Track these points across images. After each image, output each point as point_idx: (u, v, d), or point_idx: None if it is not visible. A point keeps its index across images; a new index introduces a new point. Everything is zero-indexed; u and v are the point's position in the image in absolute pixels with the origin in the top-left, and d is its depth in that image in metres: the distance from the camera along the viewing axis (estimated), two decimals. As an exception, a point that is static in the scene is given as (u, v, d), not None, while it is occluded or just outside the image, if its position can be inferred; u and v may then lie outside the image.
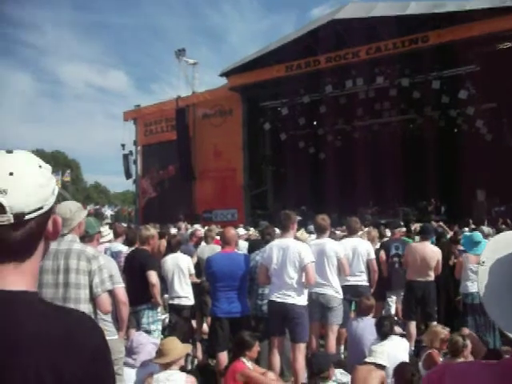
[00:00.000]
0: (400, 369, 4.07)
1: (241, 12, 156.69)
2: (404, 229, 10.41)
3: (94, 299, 3.56)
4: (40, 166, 1.15)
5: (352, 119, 22.06)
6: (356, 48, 17.90)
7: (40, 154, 68.46)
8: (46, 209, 1.13)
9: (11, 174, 1.07)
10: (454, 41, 16.00)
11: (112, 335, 4.29)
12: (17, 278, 1.11)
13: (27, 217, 1.08)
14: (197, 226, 10.85)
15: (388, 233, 9.80)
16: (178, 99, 23.24)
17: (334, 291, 5.98)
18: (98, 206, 43.41)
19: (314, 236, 7.32)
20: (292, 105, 20.59)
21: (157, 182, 24.65)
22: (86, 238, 4.10)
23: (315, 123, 22.64)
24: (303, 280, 5.34)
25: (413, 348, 6.50)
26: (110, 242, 7.23)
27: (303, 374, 5.07)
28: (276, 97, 20.94)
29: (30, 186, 1.09)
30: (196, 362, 6.45)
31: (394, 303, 8.32)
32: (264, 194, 22.44)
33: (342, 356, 6.51)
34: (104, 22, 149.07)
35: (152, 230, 6.36)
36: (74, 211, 3.69)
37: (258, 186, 22.21)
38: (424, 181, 18.52)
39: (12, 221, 1.06)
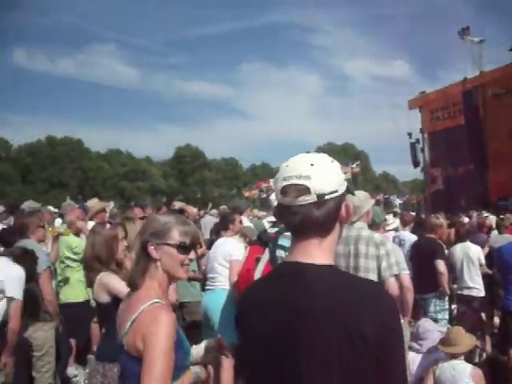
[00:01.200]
0: None
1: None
2: None
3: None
4: (332, 161, 1.43)
5: None
6: None
7: (331, 146, 72.68)
8: (340, 192, 1.39)
9: (312, 164, 1.37)
10: None
11: (398, 319, 4.50)
12: (321, 254, 1.37)
13: (326, 197, 1.35)
14: (487, 215, 10.26)
15: None
16: (465, 81, 22.03)
17: None
18: (386, 196, 44.08)
19: None
20: None
21: (446, 176, 23.85)
22: (374, 225, 4.38)
23: None
24: None
25: None
26: (395, 230, 7.46)
27: None
28: None
29: (327, 173, 1.37)
30: (484, 355, 6.21)
31: None
32: None
33: None
34: (381, 15, 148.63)
35: (441, 219, 6.40)
36: (363, 200, 3.96)
37: None
38: None
39: (315, 199, 1.34)
